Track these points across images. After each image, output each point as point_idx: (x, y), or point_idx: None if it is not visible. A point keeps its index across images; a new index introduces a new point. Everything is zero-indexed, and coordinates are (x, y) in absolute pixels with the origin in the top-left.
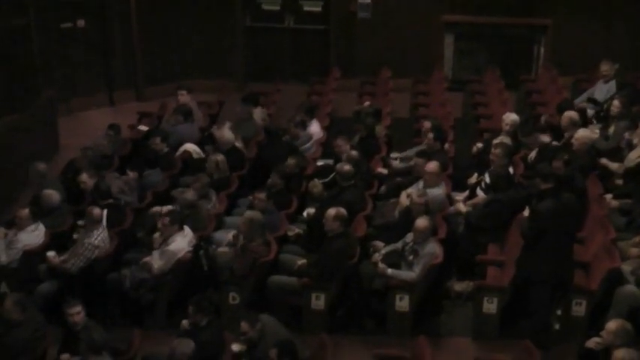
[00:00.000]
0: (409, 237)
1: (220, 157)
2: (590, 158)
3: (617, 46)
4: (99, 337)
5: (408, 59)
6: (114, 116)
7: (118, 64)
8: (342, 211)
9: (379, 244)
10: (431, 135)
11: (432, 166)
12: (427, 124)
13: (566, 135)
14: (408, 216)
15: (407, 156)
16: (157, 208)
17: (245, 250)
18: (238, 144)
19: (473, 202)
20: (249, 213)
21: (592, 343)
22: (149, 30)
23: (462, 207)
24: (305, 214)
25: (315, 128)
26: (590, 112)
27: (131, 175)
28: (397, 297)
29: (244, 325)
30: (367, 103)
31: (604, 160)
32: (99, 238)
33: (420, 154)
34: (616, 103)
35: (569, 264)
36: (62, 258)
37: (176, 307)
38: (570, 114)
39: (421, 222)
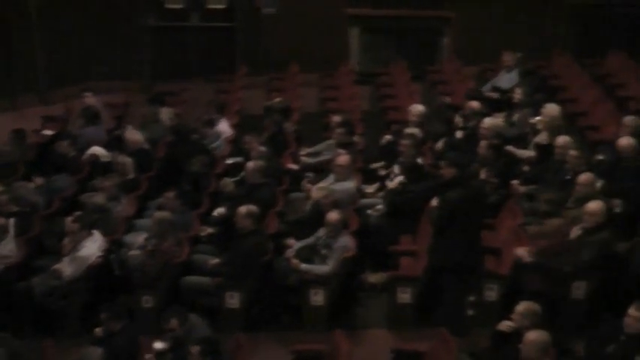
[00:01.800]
0: (321, 231)
1: (127, 159)
2: (496, 147)
3: (520, 35)
4: (9, 349)
5: (314, 53)
6: (17, 121)
7: (19, 66)
8: (253, 208)
9: (292, 241)
10: (340, 129)
11: (342, 159)
12: (336, 118)
13: (471, 124)
14: (319, 210)
15: (317, 151)
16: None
17: (156, 251)
18: (146, 145)
19: (382, 193)
20: (158, 214)
21: (503, 326)
22: (51, 31)
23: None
24: (216, 213)
25: (223, 126)
26: (494, 99)
27: (38, 181)
28: (312, 292)
29: (174, 322)
30: (278, 99)
31: (510, 148)
32: (7, 247)
33: (330, 149)
34: (519, 91)
35: (479, 250)
36: None
37: (89, 314)
38: (472, 104)
39: (332, 215)
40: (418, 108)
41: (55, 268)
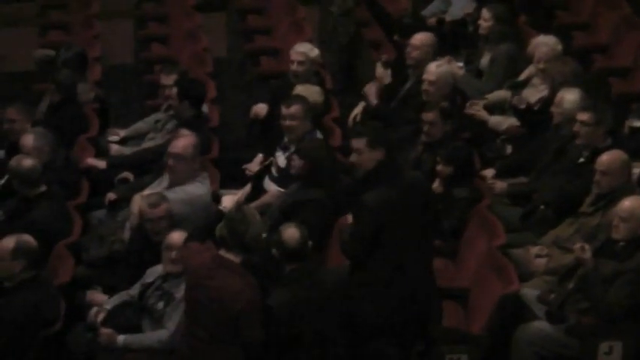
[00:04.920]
0: (153, 273)
1: None
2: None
3: None
4: None
5: None
6: None
7: None
8: (27, 241)
9: (99, 296)
10: (175, 91)
11: (181, 145)
12: (167, 76)
13: (413, 72)
14: (144, 240)
15: (138, 132)
16: None
17: None
18: None
19: (258, 203)
20: None
21: None
22: None
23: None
24: None
25: None
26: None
27: None
28: None
29: None
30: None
31: (477, 111)
32: None
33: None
34: (486, 14)
35: (430, 295)
36: None
37: None
38: (421, 37)
39: (174, 238)
40: (308, 48)
41: None
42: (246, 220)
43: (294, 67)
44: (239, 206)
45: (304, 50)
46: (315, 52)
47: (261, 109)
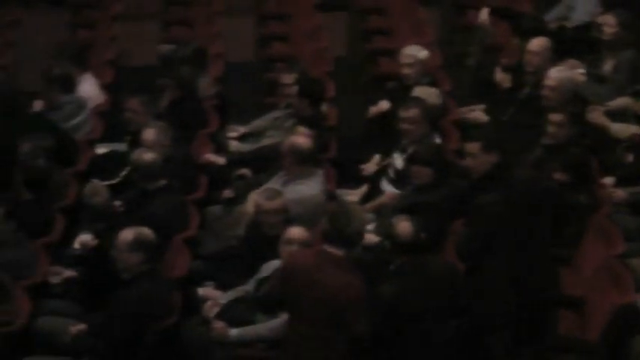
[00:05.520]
0: (269, 268)
1: None
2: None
3: None
4: None
5: None
6: None
7: None
8: (145, 234)
9: (212, 291)
10: (294, 89)
11: (299, 144)
12: (287, 74)
13: (531, 78)
14: (259, 235)
15: (256, 129)
16: None
17: None
18: None
19: (375, 204)
20: None
21: None
22: None
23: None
24: (77, 243)
25: (88, 88)
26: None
27: None
28: None
29: None
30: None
31: (598, 117)
32: None
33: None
34: (610, 20)
35: (546, 298)
36: None
37: None
38: (540, 42)
39: (295, 233)
40: (414, 50)
41: None
42: (348, 214)
43: (404, 70)
44: (342, 200)
45: (412, 52)
46: (423, 53)
47: (378, 110)
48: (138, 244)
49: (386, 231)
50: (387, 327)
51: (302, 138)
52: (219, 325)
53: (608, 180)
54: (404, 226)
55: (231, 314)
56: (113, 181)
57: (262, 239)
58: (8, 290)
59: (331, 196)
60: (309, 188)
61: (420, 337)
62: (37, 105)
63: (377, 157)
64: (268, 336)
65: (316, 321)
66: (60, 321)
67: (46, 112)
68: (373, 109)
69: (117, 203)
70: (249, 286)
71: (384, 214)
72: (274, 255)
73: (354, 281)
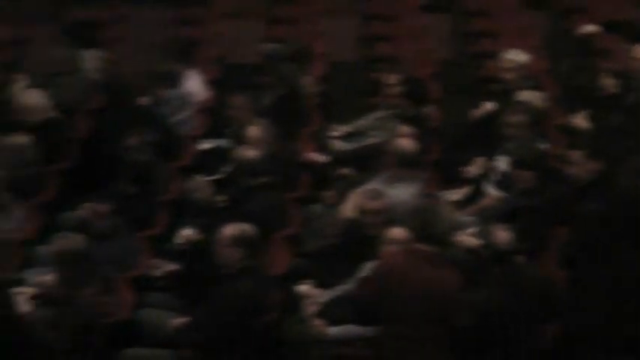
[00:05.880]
0: (369, 268)
1: (22, 138)
2: None
3: None
4: None
5: None
6: None
7: None
8: (247, 230)
9: (311, 290)
10: (398, 90)
11: (401, 145)
12: (391, 75)
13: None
14: (359, 234)
15: (359, 129)
16: None
17: (69, 304)
18: (53, 113)
19: (478, 207)
20: (63, 241)
21: None
22: None
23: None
24: (180, 238)
25: (193, 84)
26: None
27: None
28: None
29: None
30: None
31: None
32: None
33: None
34: None
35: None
36: None
37: None
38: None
39: (398, 232)
40: (513, 54)
41: None
42: (435, 213)
43: (505, 74)
44: (432, 199)
45: (512, 57)
46: (522, 57)
47: (483, 113)
48: (239, 240)
49: (485, 237)
50: (479, 332)
51: (407, 140)
52: (317, 323)
53: None
54: (503, 235)
55: (331, 313)
56: (216, 177)
57: (362, 239)
58: (112, 282)
59: (432, 198)
60: (409, 191)
61: (511, 344)
62: (144, 100)
63: (480, 160)
64: (366, 335)
65: (414, 318)
66: (161, 314)
67: (151, 107)
68: (477, 112)
69: (219, 199)
70: (349, 286)
71: (486, 217)
72: (374, 255)
73: (449, 275)
